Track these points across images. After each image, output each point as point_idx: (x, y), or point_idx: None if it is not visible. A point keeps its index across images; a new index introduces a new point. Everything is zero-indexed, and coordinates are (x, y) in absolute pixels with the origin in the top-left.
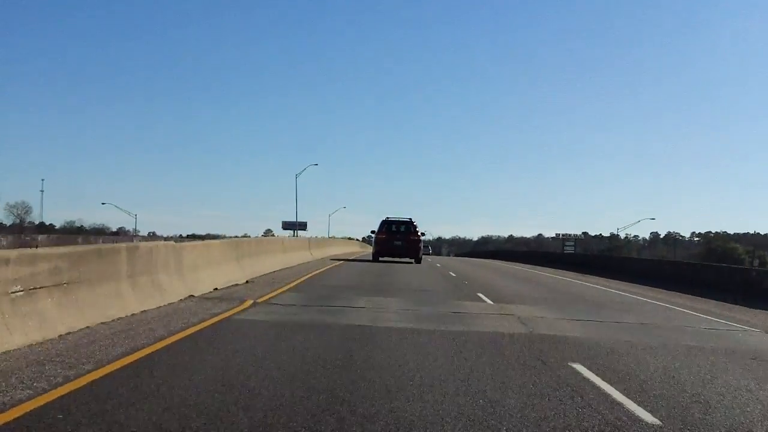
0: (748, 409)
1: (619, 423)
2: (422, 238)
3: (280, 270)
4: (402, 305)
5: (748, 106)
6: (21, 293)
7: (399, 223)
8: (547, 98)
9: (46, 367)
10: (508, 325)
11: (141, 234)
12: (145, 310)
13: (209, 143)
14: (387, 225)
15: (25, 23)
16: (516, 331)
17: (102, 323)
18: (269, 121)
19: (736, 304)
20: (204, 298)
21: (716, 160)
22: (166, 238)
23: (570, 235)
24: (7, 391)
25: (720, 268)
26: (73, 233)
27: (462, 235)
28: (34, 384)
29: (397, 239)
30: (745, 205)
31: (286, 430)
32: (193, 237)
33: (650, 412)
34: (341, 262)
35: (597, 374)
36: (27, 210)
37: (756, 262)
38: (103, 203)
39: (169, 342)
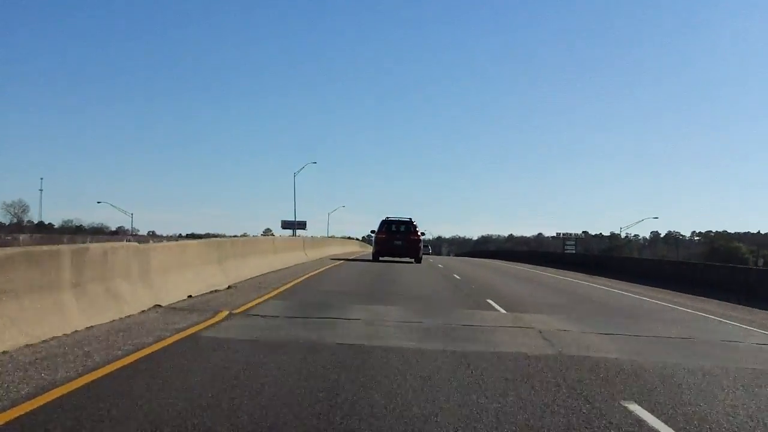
0: None
1: None
2: (422, 237)
3: (269, 273)
4: (403, 315)
5: (748, 105)
6: None
7: (399, 222)
8: (547, 98)
9: None
10: (531, 343)
11: (140, 233)
12: (91, 326)
13: (209, 142)
14: (387, 225)
15: (24, 22)
16: (542, 352)
17: (27, 345)
18: (269, 121)
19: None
20: (172, 308)
21: (716, 160)
22: (168, 238)
23: (570, 234)
24: None
25: (734, 269)
26: (72, 233)
27: (462, 235)
28: None
29: (397, 239)
30: (745, 205)
31: None
32: (192, 236)
33: None
34: (338, 263)
35: (663, 420)
36: (24, 209)
37: (761, 262)
38: (98, 202)
39: (97, 376)
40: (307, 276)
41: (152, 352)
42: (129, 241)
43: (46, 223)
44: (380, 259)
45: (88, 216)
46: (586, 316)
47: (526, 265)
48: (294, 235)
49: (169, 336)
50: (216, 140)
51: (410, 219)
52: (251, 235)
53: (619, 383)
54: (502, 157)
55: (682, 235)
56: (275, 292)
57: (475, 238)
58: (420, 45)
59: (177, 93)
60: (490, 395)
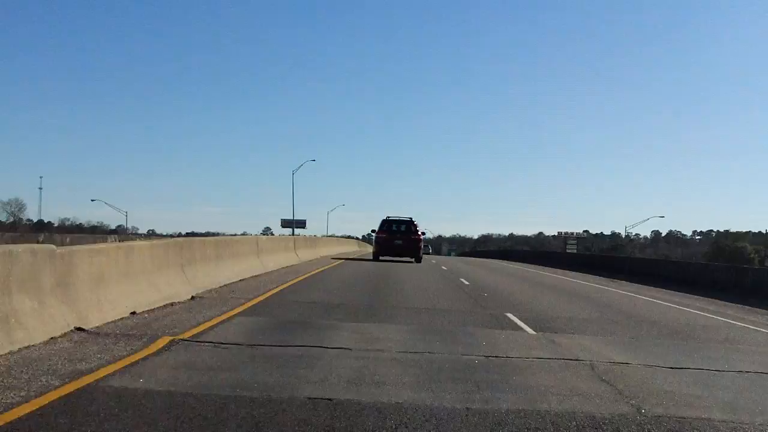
0: None
1: None
2: (423, 237)
3: (248, 279)
4: (404, 340)
5: (753, 103)
6: None
7: (399, 222)
8: (548, 96)
9: None
10: (588, 390)
11: (140, 232)
12: None
13: (210, 141)
14: (387, 224)
15: (22, 21)
16: (613, 410)
17: None
18: (270, 119)
19: None
20: (97, 333)
21: (716, 159)
22: (169, 236)
23: (572, 233)
24: None
25: (761, 271)
26: (72, 232)
27: (462, 233)
28: None
29: (397, 238)
30: (746, 204)
31: None
32: (192, 234)
33: None
34: (332, 265)
35: None
36: (21, 207)
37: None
38: (92, 200)
39: None
40: (292, 282)
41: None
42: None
43: (46, 221)
44: (380, 258)
45: (83, 214)
46: (635, 337)
47: (531, 266)
48: (293, 234)
49: (56, 387)
50: (216, 139)
51: (411, 219)
52: (252, 234)
53: None
54: (502, 156)
55: (683, 234)
56: (247, 305)
57: (475, 237)
58: (420, 44)
59: (177, 92)
60: None
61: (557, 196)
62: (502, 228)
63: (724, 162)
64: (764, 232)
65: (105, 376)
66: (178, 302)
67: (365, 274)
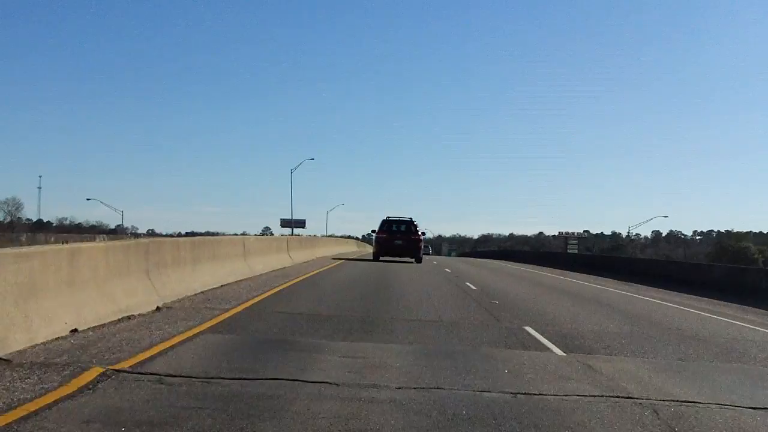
0: None
1: None
2: (423, 237)
3: (231, 284)
4: (407, 368)
5: (751, 104)
6: None
7: (400, 222)
8: (548, 95)
9: None
10: None
11: (139, 231)
12: None
13: (210, 140)
14: (387, 224)
15: (22, 21)
16: None
17: None
18: (270, 119)
19: None
20: (10, 360)
21: (716, 159)
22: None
23: (573, 233)
24: None
25: None
26: (70, 231)
27: (462, 233)
28: None
29: (397, 238)
30: (746, 205)
31: None
32: (192, 234)
33: None
34: (327, 267)
35: None
36: (18, 206)
37: None
38: (88, 199)
39: None
40: (281, 287)
41: None
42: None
43: (45, 221)
44: (380, 259)
45: (83, 214)
46: (684, 358)
47: (535, 267)
48: (292, 233)
49: None
50: (216, 138)
51: (411, 219)
52: (251, 234)
53: None
54: (502, 156)
55: (684, 234)
56: (221, 318)
57: (475, 237)
58: (420, 42)
59: (177, 92)
60: None
61: (557, 196)
62: (502, 228)
63: (725, 162)
64: (765, 232)
65: None
66: (138, 315)
67: (363, 278)
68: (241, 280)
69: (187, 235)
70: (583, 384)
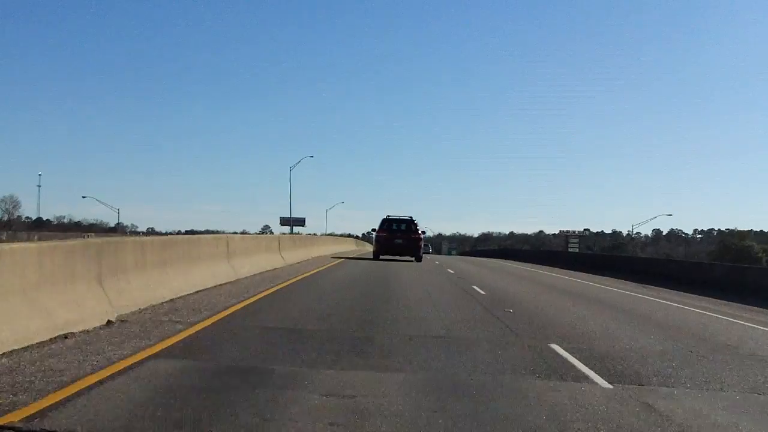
0: None
1: None
2: (423, 236)
3: (209, 289)
4: (410, 413)
5: (751, 104)
6: None
7: (400, 221)
8: (548, 94)
9: None
10: None
11: (139, 230)
12: None
13: (210, 139)
14: (388, 223)
15: (21, 20)
16: None
17: None
18: (270, 118)
19: None
20: None
21: (716, 158)
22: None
23: (574, 232)
24: None
25: None
26: (69, 229)
27: (462, 232)
28: None
29: (397, 237)
30: (746, 203)
31: None
32: (192, 232)
33: None
34: (322, 268)
35: None
36: (15, 204)
37: None
38: (83, 197)
39: None
40: (265, 293)
41: None
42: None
43: (45, 219)
44: (380, 258)
45: (82, 212)
46: (758, 389)
47: (539, 266)
48: (291, 232)
49: None
50: (217, 137)
51: (411, 218)
52: (251, 232)
53: None
54: (502, 155)
55: (684, 233)
56: (183, 335)
57: (475, 235)
58: (420, 41)
59: (178, 91)
60: None
61: (557, 195)
62: (502, 226)
63: (725, 161)
64: (766, 231)
65: None
66: (80, 332)
67: (359, 281)
68: (222, 285)
69: (187, 233)
70: None
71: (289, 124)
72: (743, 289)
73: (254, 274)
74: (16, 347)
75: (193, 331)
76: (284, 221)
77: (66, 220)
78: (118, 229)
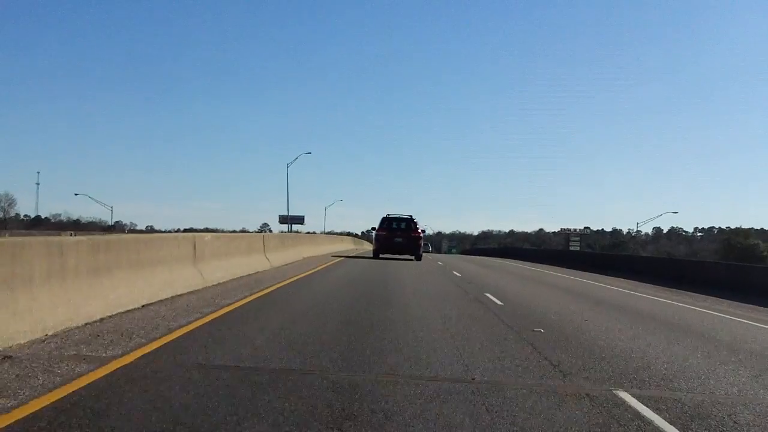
0: None
1: None
2: (423, 234)
3: (162, 301)
4: None
5: (751, 103)
6: None
7: (400, 220)
8: (547, 93)
9: None
10: None
11: (138, 227)
12: None
13: (210, 137)
14: (388, 222)
15: (20, 17)
16: None
17: None
18: (270, 116)
19: None
20: None
21: (716, 156)
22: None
23: (574, 230)
24: None
25: None
26: (67, 228)
27: (462, 230)
28: None
29: (397, 236)
30: (746, 202)
31: None
32: (191, 230)
33: None
34: (311, 271)
35: None
36: (11, 202)
37: None
38: (76, 194)
39: None
40: (229, 307)
41: None
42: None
43: (44, 217)
44: (380, 256)
45: (73, 210)
46: None
47: (546, 267)
48: (290, 230)
49: None
50: (216, 135)
51: (411, 216)
52: (251, 230)
53: None
54: (502, 153)
55: (685, 231)
56: (77, 385)
57: (475, 233)
58: (420, 39)
59: (178, 88)
60: None
61: (557, 193)
62: (502, 224)
63: (725, 159)
64: (765, 229)
65: None
66: None
67: (352, 289)
68: (181, 295)
69: (186, 231)
70: None
71: (289, 121)
72: None
73: (228, 280)
74: None
75: (98, 377)
76: (283, 219)
77: (64, 219)
78: (116, 228)
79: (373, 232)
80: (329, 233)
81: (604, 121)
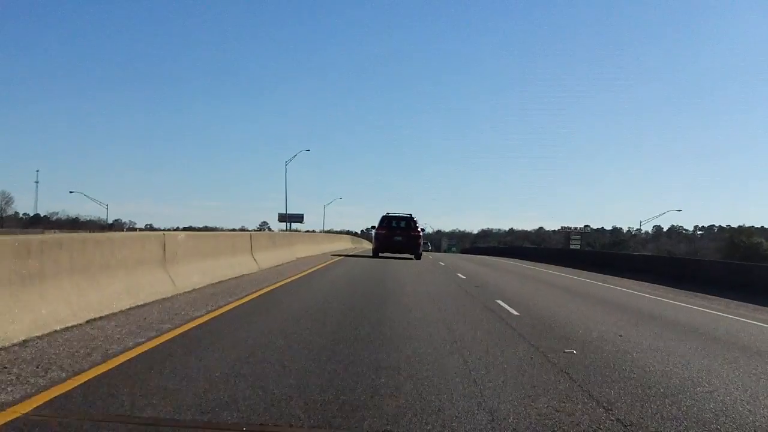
0: None
1: None
2: (423, 233)
3: (112, 315)
4: None
5: (752, 103)
6: None
7: (399, 218)
8: (547, 93)
9: None
10: None
11: (137, 226)
12: None
13: (209, 135)
14: (387, 220)
15: (20, 16)
16: None
17: None
18: (270, 114)
19: None
20: None
21: (716, 155)
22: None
23: (575, 228)
24: None
25: None
26: (65, 226)
27: (462, 228)
28: None
29: (397, 235)
30: (746, 200)
31: None
32: (190, 229)
33: None
34: (303, 274)
35: None
36: (8, 201)
37: None
38: (71, 192)
39: None
40: (195, 322)
41: None
42: None
43: (43, 215)
44: (380, 255)
45: (70, 208)
46: None
47: (550, 266)
48: (289, 229)
49: None
50: (216, 133)
51: (410, 215)
52: (250, 229)
53: None
54: (502, 152)
55: (685, 230)
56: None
57: (475, 231)
58: (420, 39)
59: (179, 87)
60: None
61: (557, 191)
62: (501, 223)
63: (726, 158)
64: (765, 227)
65: None
66: None
67: (346, 295)
68: (144, 305)
69: (185, 230)
70: None
71: (289, 121)
72: None
73: (206, 285)
74: None
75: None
76: (282, 217)
77: (63, 217)
78: (115, 226)
79: (373, 230)
80: (328, 232)
81: (604, 120)
